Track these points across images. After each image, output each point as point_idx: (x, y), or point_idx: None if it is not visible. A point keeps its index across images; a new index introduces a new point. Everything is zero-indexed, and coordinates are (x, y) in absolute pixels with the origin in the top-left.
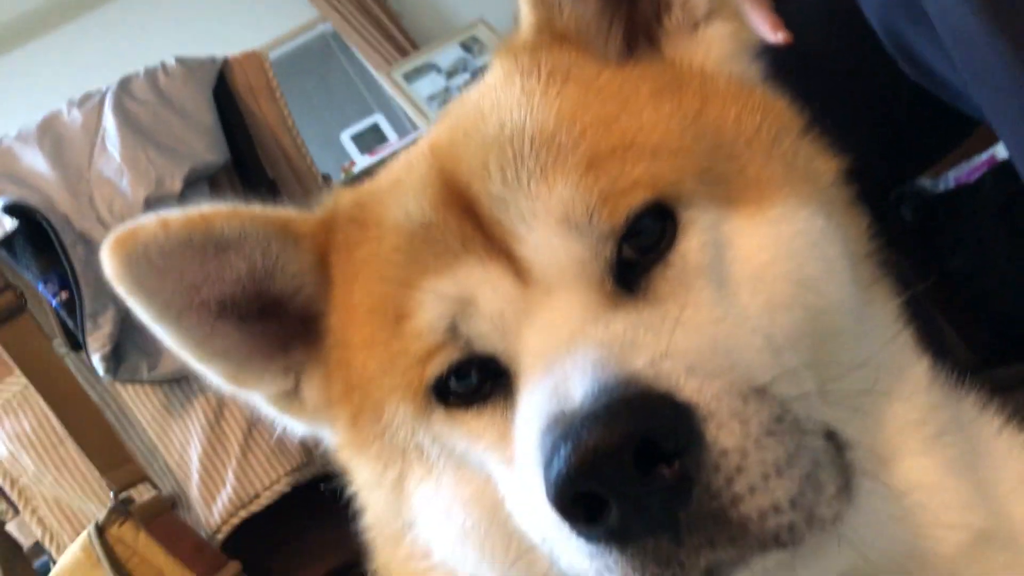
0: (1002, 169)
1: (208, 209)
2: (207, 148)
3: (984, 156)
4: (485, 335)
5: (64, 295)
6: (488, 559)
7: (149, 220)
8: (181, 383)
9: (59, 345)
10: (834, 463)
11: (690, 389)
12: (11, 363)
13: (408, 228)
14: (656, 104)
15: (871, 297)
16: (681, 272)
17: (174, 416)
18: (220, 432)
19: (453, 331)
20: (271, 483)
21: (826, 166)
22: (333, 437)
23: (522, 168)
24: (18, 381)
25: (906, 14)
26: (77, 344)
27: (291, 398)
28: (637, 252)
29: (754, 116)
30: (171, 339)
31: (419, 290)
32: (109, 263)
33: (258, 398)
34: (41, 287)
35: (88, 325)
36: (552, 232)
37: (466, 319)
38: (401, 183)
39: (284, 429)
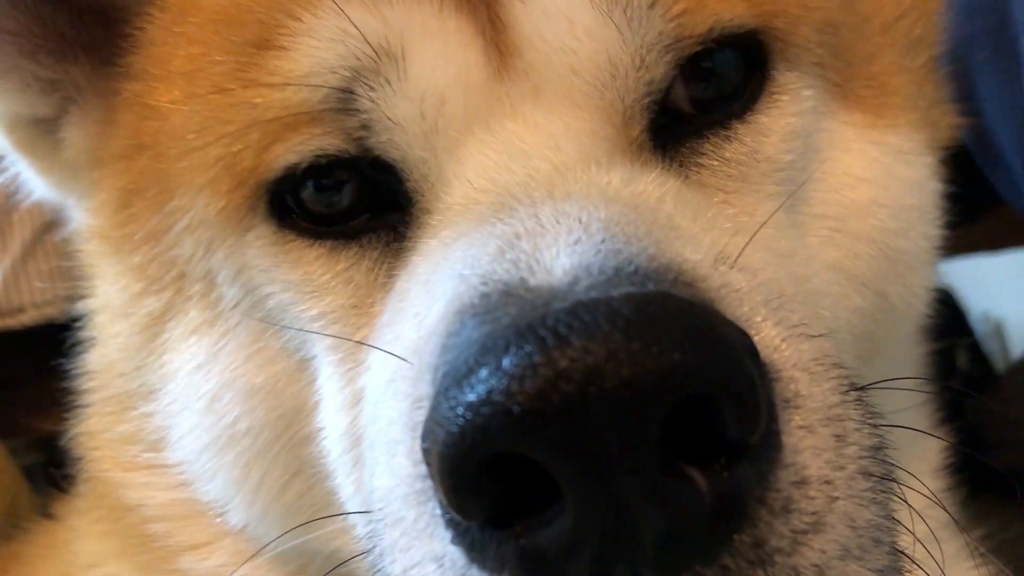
0: None
1: None
2: None
3: None
4: (399, 123)
5: None
6: (251, 488)
7: None
8: None
9: None
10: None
11: (770, 340)
12: None
13: None
14: None
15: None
16: (747, 159)
17: None
18: (7, 222)
19: (345, 98)
20: (43, 303)
21: (948, 120)
22: (83, 217)
23: None
24: None
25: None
26: None
27: (42, 133)
28: (691, 103)
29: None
30: None
31: (313, 7)
32: None
33: None
34: None
35: None
36: (582, 4)
37: (375, 85)
38: None
39: (16, 182)
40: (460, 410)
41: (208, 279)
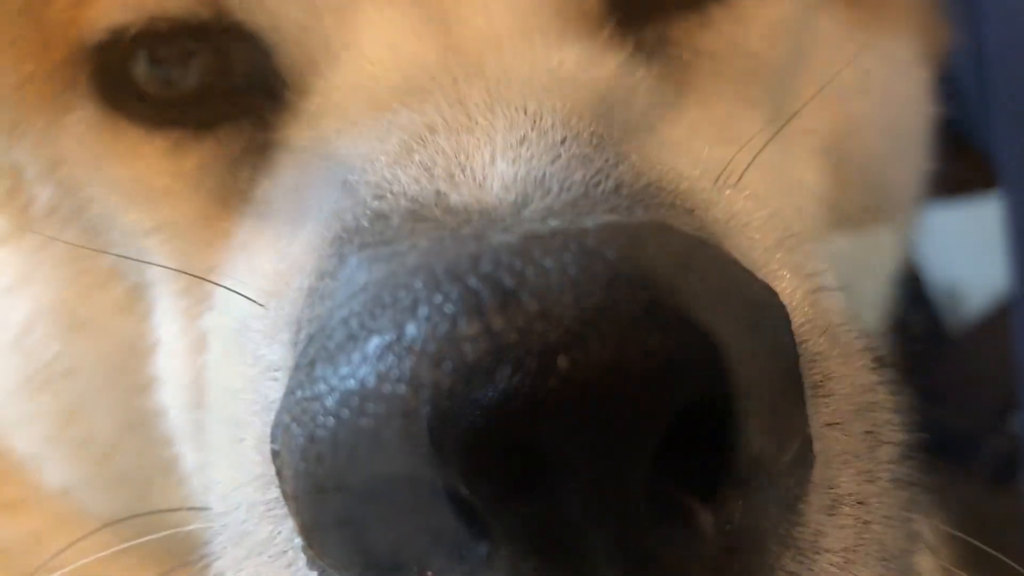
0: None
1: None
2: None
3: None
4: None
5: None
6: (73, 443)
7: None
8: None
9: None
10: None
11: (790, 297)
12: None
13: None
14: None
15: None
16: (726, 52)
17: None
18: None
19: None
20: None
21: (942, 32)
22: None
23: None
24: None
25: None
26: None
27: None
28: None
29: None
30: None
31: None
32: None
33: None
34: None
35: None
36: None
37: None
38: None
39: None
40: (330, 403)
41: (14, 177)
